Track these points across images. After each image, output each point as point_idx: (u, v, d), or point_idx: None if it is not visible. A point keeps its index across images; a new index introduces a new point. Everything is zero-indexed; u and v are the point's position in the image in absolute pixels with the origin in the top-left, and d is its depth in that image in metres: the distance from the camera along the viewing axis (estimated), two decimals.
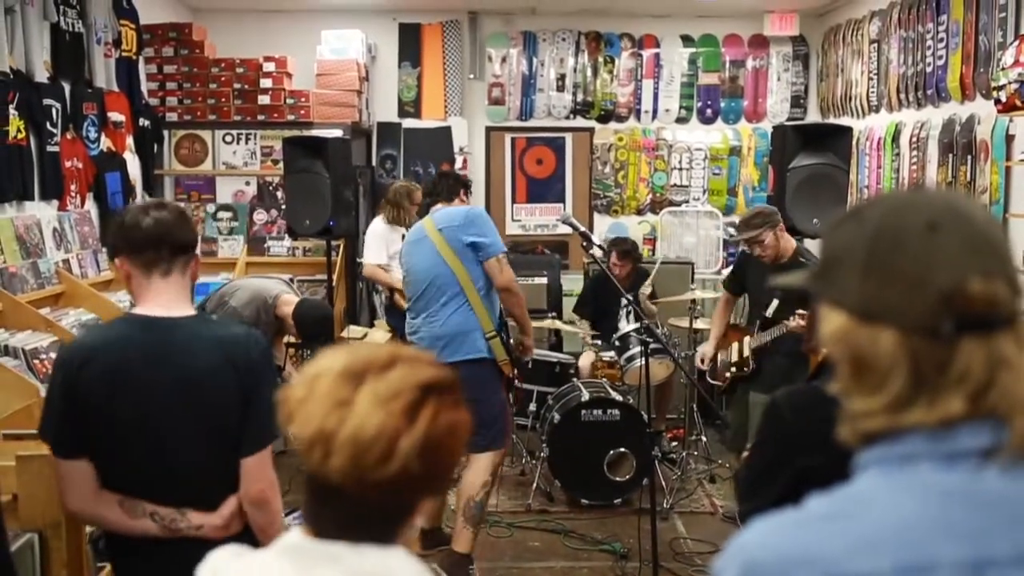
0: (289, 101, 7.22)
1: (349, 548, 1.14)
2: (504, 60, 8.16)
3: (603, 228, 8.15)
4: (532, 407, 5.61)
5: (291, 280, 6.80)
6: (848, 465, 0.97)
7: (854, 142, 6.45)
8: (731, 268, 5.44)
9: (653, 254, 8.04)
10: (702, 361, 5.21)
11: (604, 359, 5.97)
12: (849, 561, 0.87)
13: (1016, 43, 4.46)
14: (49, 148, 5.29)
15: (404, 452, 1.10)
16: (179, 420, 2.09)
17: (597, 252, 4.39)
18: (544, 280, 7.20)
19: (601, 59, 8.19)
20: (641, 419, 4.98)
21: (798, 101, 8.25)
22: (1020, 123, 4.90)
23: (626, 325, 5.75)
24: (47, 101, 5.27)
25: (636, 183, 8.27)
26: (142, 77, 6.89)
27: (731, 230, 7.54)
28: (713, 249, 8.15)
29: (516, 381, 4.39)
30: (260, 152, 7.33)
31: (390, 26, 8.07)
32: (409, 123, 8.11)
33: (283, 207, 6.83)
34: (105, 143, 6.03)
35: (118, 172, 6.17)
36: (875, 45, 6.91)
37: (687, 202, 8.24)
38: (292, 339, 4.63)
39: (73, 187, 5.57)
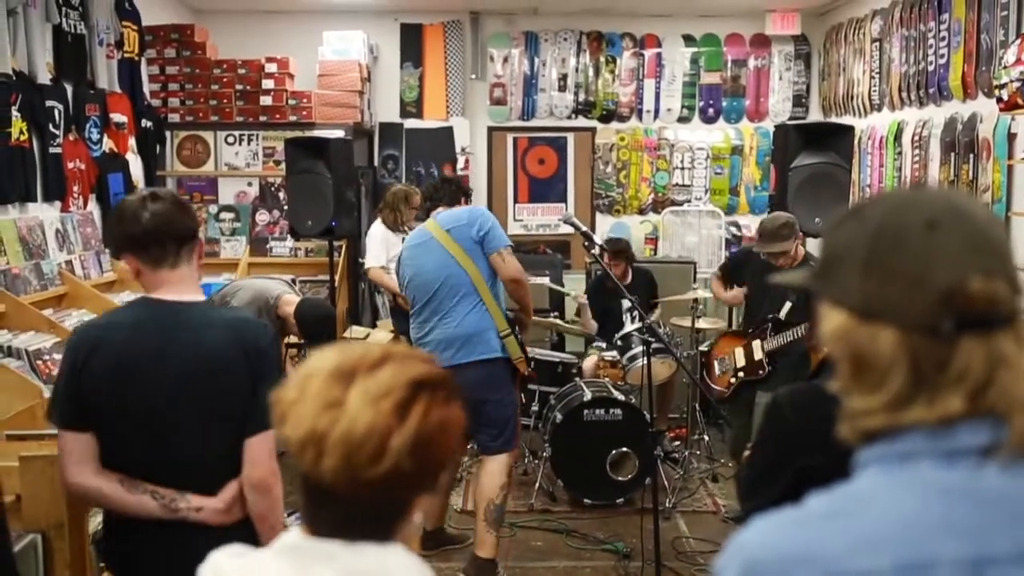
0: (291, 102, 7.23)
1: (345, 546, 1.14)
2: (506, 60, 8.16)
3: (605, 228, 8.15)
4: (535, 407, 5.62)
5: (293, 281, 6.84)
6: (849, 464, 0.98)
7: (856, 141, 6.44)
8: (728, 261, 5.41)
9: (655, 254, 8.05)
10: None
11: (606, 359, 5.98)
12: (849, 559, 0.87)
13: (1018, 41, 4.45)
14: (51, 149, 5.30)
15: (396, 450, 1.10)
16: (187, 400, 2.11)
17: (599, 252, 4.36)
18: (546, 280, 7.21)
19: (603, 59, 8.19)
20: (643, 419, 4.98)
21: (800, 100, 8.25)
22: (1022, 121, 4.90)
23: (630, 325, 5.75)
24: (49, 103, 5.28)
25: (638, 183, 8.27)
26: (144, 78, 6.90)
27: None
28: (715, 248, 8.15)
29: (531, 379, 4.33)
30: (262, 153, 7.34)
31: (392, 26, 8.08)
32: (411, 123, 8.12)
33: (285, 208, 6.84)
34: (107, 144, 6.04)
35: (120, 173, 6.18)
36: (877, 44, 6.91)
37: (689, 202, 8.24)
38: (294, 339, 4.63)
39: (76, 188, 5.58)
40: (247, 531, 2.15)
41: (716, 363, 5.10)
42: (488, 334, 4.01)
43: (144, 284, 2.21)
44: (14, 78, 4.91)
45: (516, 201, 8.37)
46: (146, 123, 6.72)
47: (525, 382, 4.37)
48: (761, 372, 4.77)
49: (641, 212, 8.30)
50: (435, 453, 1.15)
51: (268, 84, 7.20)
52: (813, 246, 5.00)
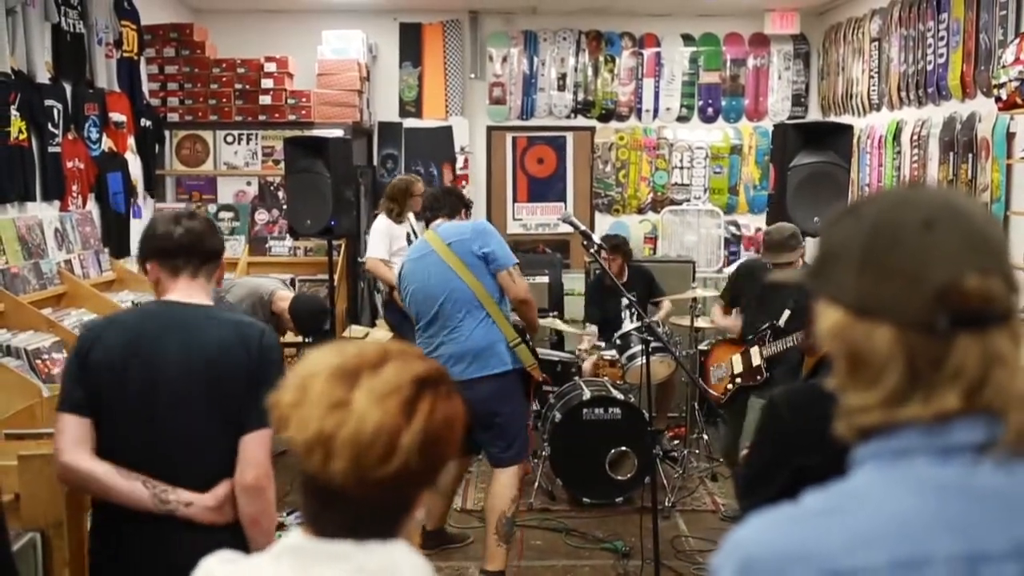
0: (290, 101, 7.23)
1: (355, 546, 1.13)
2: (505, 59, 8.17)
3: (604, 227, 8.15)
4: (534, 406, 5.61)
5: (292, 280, 6.85)
6: (846, 463, 0.98)
7: (855, 140, 6.45)
8: (729, 282, 5.37)
9: (654, 253, 8.05)
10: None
11: (605, 358, 5.98)
12: (845, 556, 0.88)
13: (1017, 41, 4.46)
14: (51, 149, 5.30)
15: (405, 449, 1.10)
16: (185, 393, 2.13)
17: (597, 251, 4.35)
18: (545, 279, 7.21)
19: (602, 58, 8.20)
20: (642, 418, 4.98)
21: (799, 99, 8.26)
22: (1021, 121, 4.90)
23: (629, 325, 5.76)
24: (48, 102, 5.28)
25: (637, 182, 8.27)
26: (143, 78, 6.90)
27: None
28: (714, 248, 8.15)
29: (544, 384, 4.27)
30: (261, 152, 7.34)
31: (391, 26, 8.08)
32: (410, 123, 8.12)
33: (284, 207, 6.83)
34: (106, 144, 6.05)
35: (119, 172, 6.18)
36: (876, 43, 6.91)
37: (688, 201, 8.25)
38: (290, 338, 4.64)
39: (75, 188, 5.58)
40: (237, 536, 2.14)
41: (712, 370, 5.09)
42: (498, 347, 3.93)
43: (159, 292, 2.29)
44: (13, 77, 4.92)
45: (515, 200, 8.37)
46: (145, 122, 6.72)
47: (540, 387, 4.28)
48: (759, 378, 4.74)
49: (640, 211, 8.31)
50: (441, 449, 1.15)
51: (267, 83, 7.20)
52: (811, 245, 5.00)
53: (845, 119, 7.18)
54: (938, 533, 0.88)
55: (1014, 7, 5.04)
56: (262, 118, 7.22)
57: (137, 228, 6.47)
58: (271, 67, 7.22)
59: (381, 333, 6.42)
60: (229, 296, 4.14)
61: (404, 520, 1.18)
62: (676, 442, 6.06)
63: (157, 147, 7.04)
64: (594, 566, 4.50)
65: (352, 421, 1.09)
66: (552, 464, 5.19)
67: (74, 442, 2.14)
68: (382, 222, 6.05)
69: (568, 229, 4.43)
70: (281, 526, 4.26)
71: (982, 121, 5.32)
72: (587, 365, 6.02)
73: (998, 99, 4.50)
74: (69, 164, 5.51)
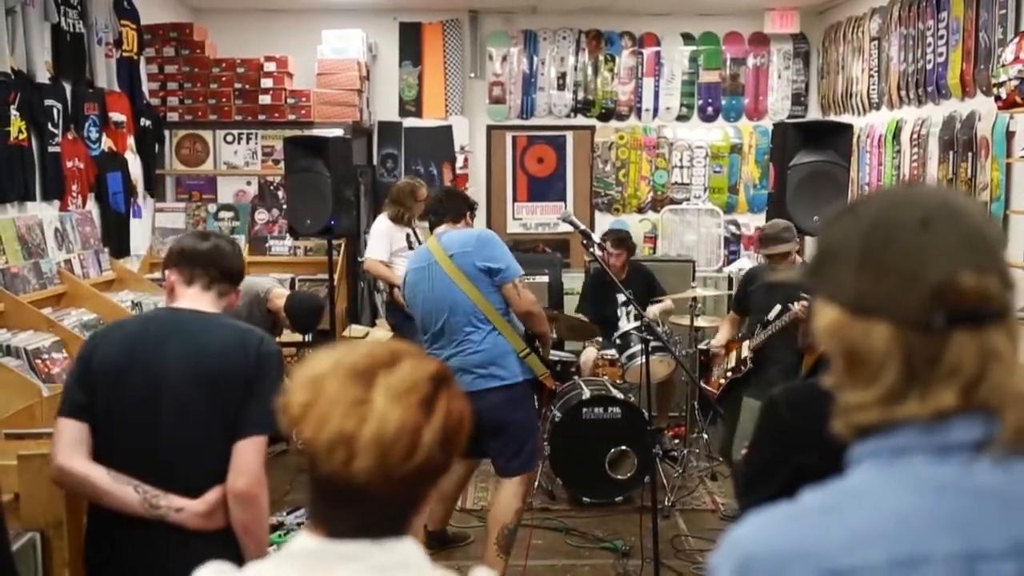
0: (290, 101, 7.23)
1: (372, 544, 1.13)
2: (505, 59, 8.17)
3: (604, 226, 8.12)
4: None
5: (292, 280, 6.85)
6: (845, 461, 0.98)
7: (855, 139, 6.45)
8: (738, 289, 5.36)
9: (654, 252, 8.05)
10: (712, 346, 5.17)
11: (605, 357, 5.98)
12: (844, 554, 0.88)
13: (1016, 40, 4.45)
14: (50, 148, 5.30)
15: (427, 445, 1.11)
16: (181, 397, 2.14)
17: (597, 251, 4.34)
18: (545, 278, 7.21)
19: (602, 57, 8.20)
20: (642, 417, 4.98)
21: (799, 99, 8.26)
22: (1020, 120, 4.90)
23: (626, 323, 5.75)
24: (48, 101, 5.29)
25: (637, 181, 8.27)
26: (143, 77, 6.90)
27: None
28: (714, 247, 8.15)
29: (556, 390, 4.19)
30: (261, 152, 7.35)
31: (391, 25, 8.08)
32: (410, 122, 8.12)
33: (284, 207, 6.84)
34: (106, 143, 6.05)
35: (119, 172, 6.18)
36: (876, 42, 6.91)
37: (688, 200, 8.25)
38: (293, 338, 4.65)
39: (74, 187, 5.58)
40: (231, 543, 2.15)
41: (715, 369, 5.12)
42: (507, 359, 3.86)
43: (170, 299, 2.34)
44: (13, 77, 4.92)
45: (515, 200, 8.37)
46: (145, 122, 6.72)
47: (554, 394, 4.21)
48: (743, 368, 4.77)
49: (640, 211, 8.31)
50: (457, 444, 1.17)
51: (267, 83, 7.20)
52: (810, 244, 5.00)
53: (845, 118, 7.19)
54: (936, 531, 0.88)
55: (1013, 6, 5.04)
56: (262, 118, 7.22)
57: (137, 228, 6.48)
58: (271, 67, 7.22)
59: (381, 333, 6.43)
60: None
61: (414, 517, 1.19)
62: (676, 441, 6.06)
63: (157, 147, 7.04)
64: (594, 565, 4.50)
65: (374, 420, 1.09)
66: (552, 463, 5.19)
67: (70, 445, 2.15)
68: (383, 223, 6.05)
69: (568, 228, 4.40)
70: (280, 525, 4.28)
71: (982, 120, 5.32)
72: (586, 361, 6.02)
73: (998, 98, 4.50)
74: (69, 164, 5.51)
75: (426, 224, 4.41)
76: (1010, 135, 5.02)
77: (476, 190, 8.10)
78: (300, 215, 6.04)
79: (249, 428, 2.13)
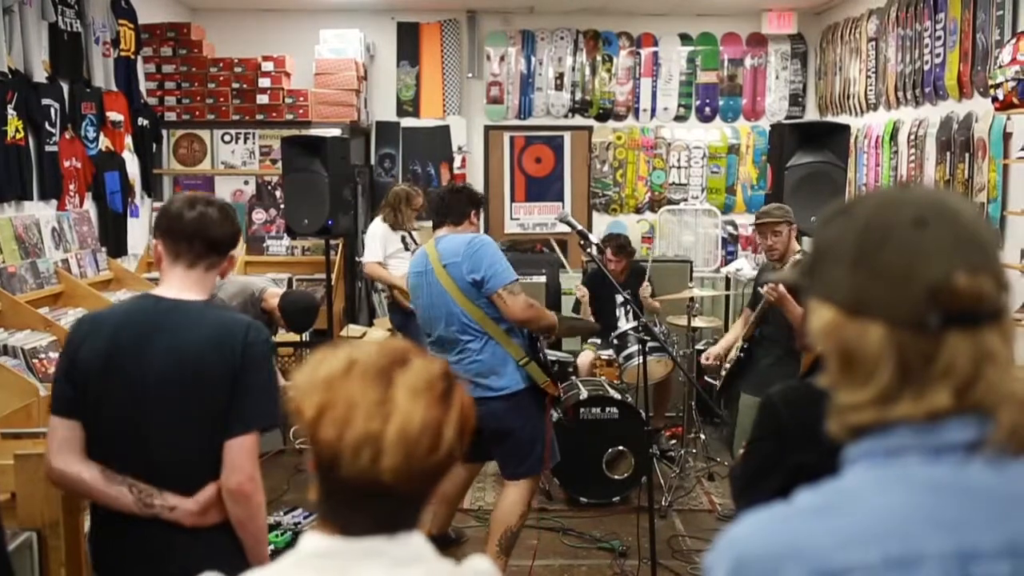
0: (287, 100, 7.22)
1: (388, 540, 1.14)
2: (502, 59, 8.17)
3: (602, 227, 8.15)
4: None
5: (289, 280, 6.85)
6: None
7: (852, 140, 6.45)
8: (753, 287, 5.36)
9: (651, 252, 8.06)
10: (707, 358, 5.10)
11: (602, 357, 5.98)
12: (838, 554, 0.88)
13: (1013, 41, 4.46)
14: (48, 148, 5.30)
15: (448, 439, 1.13)
16: (166, 398, 2.10)
17: (595, 251, 4.33)
18: (543, 279, 7.22)
19: (599, 58, 8.20)
20: (639, 417, 4.98)
21: (796, 99, 8.27)
22: (1017, 121, 4.91)
23: (624, 323, 5.76)
24: (45, 101, 5.28)
25: (635, 182, 8.27)
26: (140, 77, 6.90)
27: (729, 228, 7.46)
28: (712, 247, 8.16)
29: (561, 398, 4.07)
30: (259, 151, 7.34)
31: (388, 25, 8.08)
32: (408, 122, 8.12)
33: (282, 206, 6.83)
34: (104, 143, 6.04)
35: (117, 172, 6.18)
36: (873, 43, 6.92)
37: (686, 200, 8.25)
38: (289, 338, 4.64)
39: (72, 187, 5.58)
40: (232, 537, 2.14)
41: (724, 366, 5.11)
42: (506, 368, 3.80)
43: (160, 273, 2.27)
44: (10, 76, 4.92)
45: (513, 200, 8.37)
46: (142, 121, 6.72)
47: (558, 400, 4.07)
48: (738, 355, 4.76)
49: (638, 211, 8.31)
50: (468, 436, 1.18)
51: (264, 83, 7.20)
52: (807, 245, 5.00)
53: (842, 119, 7.19)
54: (930, 531, 0.88)
55: (1011, 7, 5.04)
56: (259, 117, 7.22)
57: (134, 227, 6.47)
58: (268, 66, 7.22)
59: (378, 332, 6.43)
60: (220, 293, 4.14)
61: (423, 511, 1.21)
62: (673, 442, 6.07)
63: (154, 146, 7.04)
64: (591, 565, 4.50)
65: (397, 418, 1.10)
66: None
67: (63, 445, 2.14)
68: (378, 226, 6.05)
69: (566, 229, 4.39)
70: (277, 525, 4.27)
71: (979, 121, 5.33)
72: (583, 362, 6.02)
73: (995, 99, 4.51)
74: (66, 163, 5.50)
75: (425, 224, 4.39)
76: (1007, 136, 5.02)
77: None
78: (298, 215, 6.04)
79: (238, 426, 2.10)
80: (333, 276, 6.56)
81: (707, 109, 8.26)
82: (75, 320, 2.28)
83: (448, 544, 4.56)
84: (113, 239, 6.07)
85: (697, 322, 5.92)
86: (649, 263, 6.45)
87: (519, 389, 3.82)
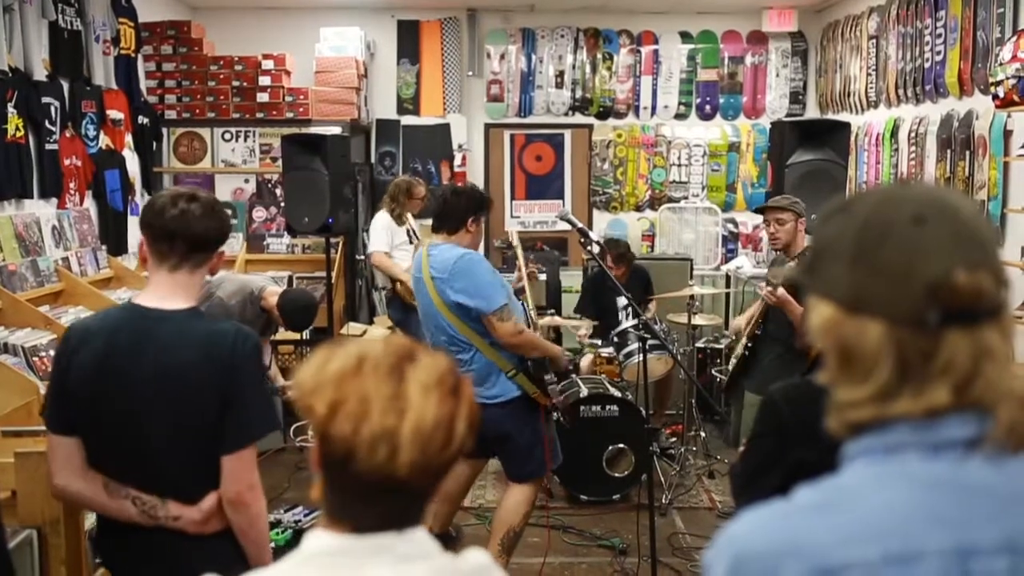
0: (288, 99, 7.22)
1: (396, 535, 1.15)
2: (503, 57, 8.16)
3: (602, 225, 8.15)
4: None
5: (290, 278, 6.85)
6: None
7: (853, 138, 6.45)
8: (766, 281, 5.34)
9: (652, 250, 8.06)
10: (734, 333, 5.04)
11: (603, 355, 5.98)
12: (837, 551, 0.88)
13: (1014, 38, 4.46)
14: (48, 146, 5.30)
15: (460, 433, 1.14)
16: (159, 413, 2.09)
17: (595, 249, 4.31)
18: (543, 276, 7.22)
19: (600, 56, 8.19)
20: (640, 415, 4.98)
21: (797, 97, 8.26)
22: (1018, 118, 4.90)
23: (625, 322, 5.76)
24: (46, 99, 5.28)
25: (635, 179, 8.27)
26: (141, 75, 6.90)
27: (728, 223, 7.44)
28: (712, 245, 8.16)
29: (557, 408, 3.95)
30: (259, 150, 7.34)
31: (389, 23, 8.08)
32: (408, 120, 8.12)
33: (282, 204, 6.83)
34: (104, 141, 6.04)
35: (117, 170, 6.18)
36: (874, 41, 6.91)
37: (686, 198, 8.25)
38: (289, 336, 4.64)
39: (72, 185, 5.57)
40: (235, 542, 2.15)
41: (732, 359, 5.10)
42: (495, 378, 3.77)
43: (148, 274, 2.21)
44: (10, 75, 4.91)
45: (513, 198, 8.37)
46: (143, 120, 6.72)
47: (551, 411, 3.97)
48: (745, 352, 4.75)
49: (638, 209, 8.31)
50: (476, 431, 1.19)
51: (265, 81, 7.20)
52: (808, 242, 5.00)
53: (843, 117, 7.20)
54: (929, 528, 0.88)
55: (1011, 5, 5.04)
56: (260, 115, 7.22)
57: (134, 226, 6.47)
58: (269, 64, 7.22)
59: (379, 330, 6.43)
60: (219, 291, 4.14)
61: (428, 505, 1.21)
62: (673, 439, 6.07)
63: (155, 144, 7.04)
64: (591, 563, 4.51)
65: (412, 413, 1.11)
66: None
67: (64, 464, 2.14)
68: (383, 218, 6.09)
69: (566, 227, 4.38)
70: (278, 523, 4.28)
71: (979, 118, 5.32)
72: (585, 363, 6.03)
73: (995, 96, 4.50)
74: (66, 161, 5.50)
75: (425, 223, 4.36)
76: (1007, 133, 5.02)
77: None
78: (298, 213, 6.04)
79: (232, 443, 2.09)
80: (333, 274, 6.56)
81: (707, 107, 8.26)
82: (64, 335, 2.23)
83: (448, 542, 4.56)
84: (113, 237, 6.07)
85: (697, 320, 5.92)
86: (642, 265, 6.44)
87: (513, 396, 3.80)
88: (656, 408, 5.84)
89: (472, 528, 4.84)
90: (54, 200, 5.41)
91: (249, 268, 6.93)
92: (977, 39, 5.38)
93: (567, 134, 8.33)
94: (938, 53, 5.86)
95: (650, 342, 4.27)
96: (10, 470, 2.62)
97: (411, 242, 5.90)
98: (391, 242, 6.00)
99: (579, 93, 8.23)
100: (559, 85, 8.21)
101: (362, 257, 7.24)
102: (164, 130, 7.21)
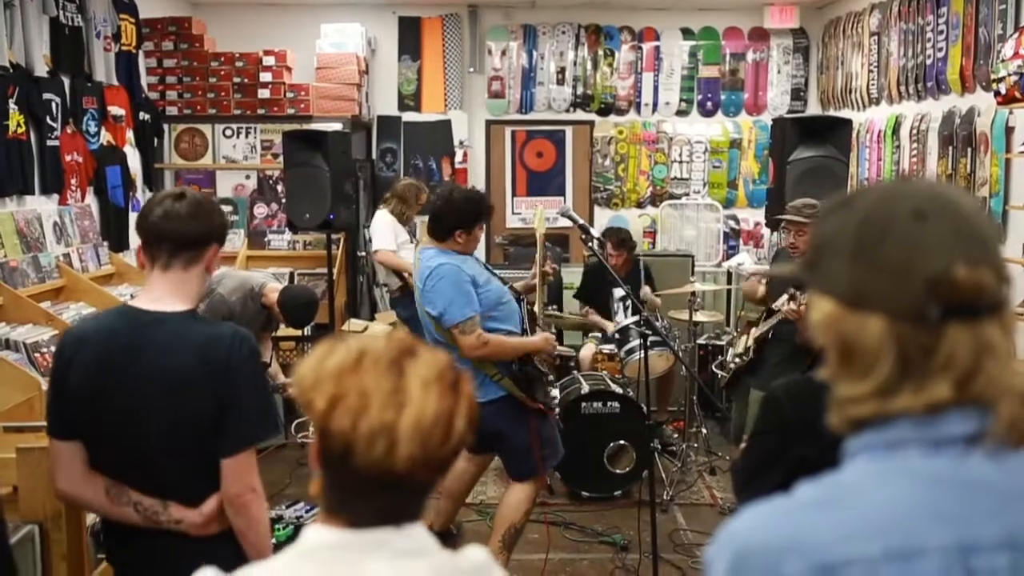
0: (289, 95, 7.22)
1: (394, 531, 1.15)
2: (504, 53, 8.16)
3: (603, 221, 8.12)
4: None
5: (291, 275, 6.85)
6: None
7: (854, 135, 6.44)
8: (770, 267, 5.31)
9: (653, 247, 8.05)
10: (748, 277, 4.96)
11: (604, 351, 5.98)
12: (839, 547, 0.88)
13: (1016, 35, 4.45)
14: (49, 142, 5.30)
15: (460, 429, 1.14)
16: (156, 417, 2.08)
17: (596, 245, 4.32)
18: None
19: (601, 52, 8.18)
20: (641, 411, 4.98)
21: (798, 94, 8.25)
22: (1020, 115, 4.89)
23: (624, 317, 5.76)
24: (47, 95, 5.28)
25: (636, 176, 8.27)
26: (142, 71, 6.89)
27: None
28: (713, 242, 8.15)
29: (546, 412, 3.94)
30: (260, 146, 7.34)
31: (390, 19, 8.07)
32: (409, 116, 8.11)
33: (283, 201, 6.83)
34: (105, 137, 6.04)
35: (118, 166, 6.18)
36: (875, 37, 6.90)
37: (687, 195, 8.24)
38: (290, 332, 4.64)
39: (73, 181, 5.58)
40: (237, 543, 2.15)
41: (729, 350, 5.10)
42: (480, 378, 3.75)
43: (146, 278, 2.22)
44: (11, 71, 4.91)
45: (514, 194, 8.37)
46: (144, 116, 6.72)
47: (539, 415, 3.94)
48: (745, 357, 4.75)
49: (639, 205, 8.30)
50: (475, 426, 1.19)
51: (266, 77, 7.19)
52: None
53: (844, 113, 7.19)
54: (930, 524, 0.88)
55: (1013, 1, 5.03)
56: (261, 112, 7.22)
57: (135, 222, 6.47)
58: (270, 61, 7.21)
59: (380, 327, 6.42)
60: (220, 288, 4.14)
61: (427, 501, 1.21)
62: (675, 436, 6.07)
63: (156, 141, 7.04)
64: (592, 559, 4.51)
65: (411, 408, 1.11)
66: None
67: (66, 468, 2.14)
68: (387, 216, 6.07)
69: (567, 223, 4.39)
70: (279, 519, 4.28)
71: (981, 115, 5.32)
72: (585, 356, 6.02)
73: (997, 93, 4.50)
74: (68, 158, 5.51)
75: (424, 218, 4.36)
76: (1009, 130, 5.01)
77: (475, 185, 8.10)
78: (299, 209, 6.04)
79: (230, 447, 2.09)
80: (335, 270, 6.56)
81: (709, 103, 8.25)
82: (60, 339, 2.22)
83: (449, 539, 4.56)
84: (114, 233, 6.07)
85: (699, 316, 5.92)
86: (641, 258, 6.44)
87: (499, 396, 3.81)
88: (657, 405, 5.84)
89: (473, 524, 4.85)
90: (55, 196, 5.41)
91: (250, 264, 6.92)
92: (979, 35, 5.37)
93: (568, 131, 8.32)
94: (940, 50, 5.85)
95: (651, 338, 4.26)
96: (12, 466, 2.62)
97: (411, 241, 5.94)
98: (396, 240, 6.00)
99: (580, 89, 8.22)
100: (560, 81, 8.20)
101: (364, 254, 7.24)
102: (165, 126, 7.21)
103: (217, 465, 2.10)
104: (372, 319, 7.23)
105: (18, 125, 4.96)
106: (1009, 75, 4.35)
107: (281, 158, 6.60)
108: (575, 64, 8.19)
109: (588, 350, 6.09)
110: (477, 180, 8.16)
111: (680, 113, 8.25)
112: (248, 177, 7.41)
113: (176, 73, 7.18)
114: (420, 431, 1.11)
